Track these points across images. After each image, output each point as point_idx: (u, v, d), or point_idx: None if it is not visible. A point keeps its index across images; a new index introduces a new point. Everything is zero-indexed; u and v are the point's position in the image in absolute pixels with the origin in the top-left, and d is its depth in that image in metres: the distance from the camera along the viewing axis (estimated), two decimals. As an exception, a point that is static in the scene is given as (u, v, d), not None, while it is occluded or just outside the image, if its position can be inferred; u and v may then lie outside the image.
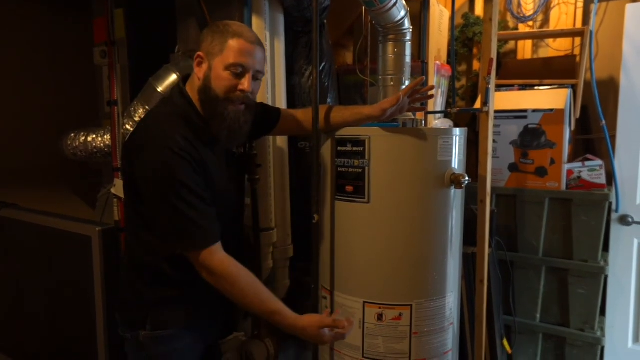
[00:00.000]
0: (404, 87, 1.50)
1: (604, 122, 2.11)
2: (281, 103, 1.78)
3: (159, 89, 1.74)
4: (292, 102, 1.85)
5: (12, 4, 2.30)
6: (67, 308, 1.77)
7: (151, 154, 1.14)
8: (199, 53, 1.22)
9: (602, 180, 2.03)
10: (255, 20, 1.67)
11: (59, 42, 2.45)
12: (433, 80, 2.14)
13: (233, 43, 1.17)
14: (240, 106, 1.21)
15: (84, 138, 2.13)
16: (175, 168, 1.11)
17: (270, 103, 1.68)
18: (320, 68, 1.88)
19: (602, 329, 2.03)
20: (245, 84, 1.19)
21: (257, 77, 1.23)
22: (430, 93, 1.44)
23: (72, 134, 2.16)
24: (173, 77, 1.76)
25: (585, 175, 2.04)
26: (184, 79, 1.29)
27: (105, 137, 2.09)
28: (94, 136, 2.12)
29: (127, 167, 1.23)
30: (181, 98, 1.24)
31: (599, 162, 2.06)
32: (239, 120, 1.22)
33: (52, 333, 1.85)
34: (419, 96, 1.41)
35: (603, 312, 2.08)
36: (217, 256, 1.15)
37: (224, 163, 1.31)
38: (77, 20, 2.39)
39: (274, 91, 1.76)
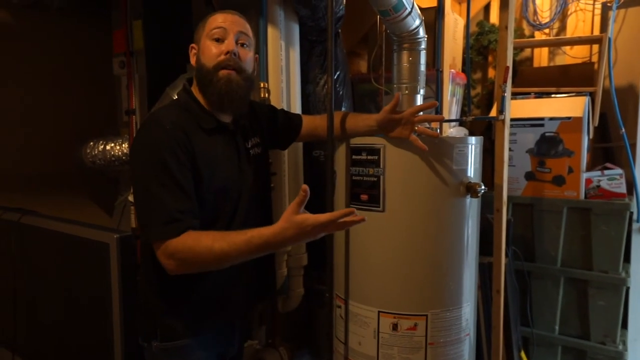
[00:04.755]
0: (418, 95, 1.49)
1: (623, 130, 2.08)
2: (296, 111, 1.79)
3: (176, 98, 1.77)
4: (307, 111, 1.87)
5: (36, 16, 2.37)
6: (84, 315, 1.79)
7: (139, 138, 1.18)
8: (192, 45, 1.27)
9: (622, 189, 1.98)
10: (270, 30, 1.69)
11: (80, 53, 2.52)
12: (448, 88, 2.13)
13: (212, 18, 1.24)
14: (230, 70, 1.20)
15: (102, 146, 2.18)
16: (159, 150, 1.11)
17: (285, 112, 1.69)
18: (335, 77, 1.89)
19: (624, 342, 1.97)
20: (230, 45, 1.20)
21: (242, 41, 1.23)
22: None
23: (92, 143, 2.21)
24: (189, 87, 1.78)
25: (604, 184, 2.00)
26: (190, 79, 1.31)
27: (123, 145, 2.13)
28: (112, 144, 2.17)
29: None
30: (184, 93, 1.28)
31: (619, 170, 2.01)
32: (230, 83, 1.19)
33: (69, 340, 1.87)
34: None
35: (625, 324, 2.02)
36: (173, 243, 1.06)
37: (234, 156, 1.28)
38: (99, 30, 2.45)
39: (288, 100, 1.78)
